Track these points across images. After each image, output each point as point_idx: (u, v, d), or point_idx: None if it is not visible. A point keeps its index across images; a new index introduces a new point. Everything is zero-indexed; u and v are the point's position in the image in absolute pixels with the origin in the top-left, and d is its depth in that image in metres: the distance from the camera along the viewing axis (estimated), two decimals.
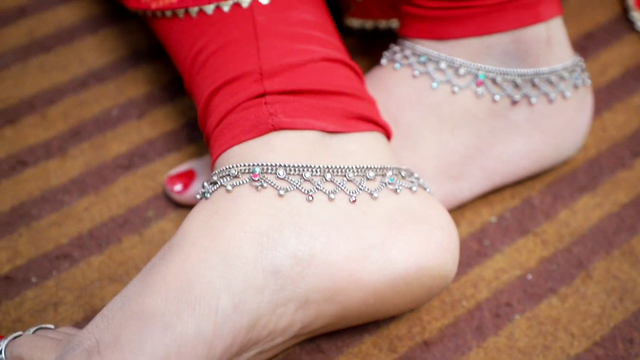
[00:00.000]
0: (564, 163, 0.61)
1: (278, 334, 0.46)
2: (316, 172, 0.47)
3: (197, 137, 0.62)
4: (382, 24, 0.66)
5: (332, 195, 0.46)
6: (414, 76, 0.55)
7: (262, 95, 0.48)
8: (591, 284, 0.55)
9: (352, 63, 0.52)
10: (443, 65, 0.54)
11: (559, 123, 0.56)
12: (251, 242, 0.44)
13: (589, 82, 0.58)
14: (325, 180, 0.47)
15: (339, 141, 0.48)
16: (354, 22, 0.66)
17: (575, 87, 0.56)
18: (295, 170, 0.46)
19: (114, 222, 0.57)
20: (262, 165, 0.46)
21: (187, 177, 0.57)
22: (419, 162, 0.54)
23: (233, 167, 0.46)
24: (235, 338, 0.43)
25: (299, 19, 0.51)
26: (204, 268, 0.43)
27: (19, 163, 0.60)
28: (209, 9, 0.51)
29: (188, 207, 0.58)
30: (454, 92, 0.54)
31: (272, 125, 0.47)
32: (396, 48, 0.56)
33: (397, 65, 0.55)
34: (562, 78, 0.55)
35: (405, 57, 0.55)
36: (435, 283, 0.48)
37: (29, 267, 0.54)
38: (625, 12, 0.72)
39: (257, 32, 0.50)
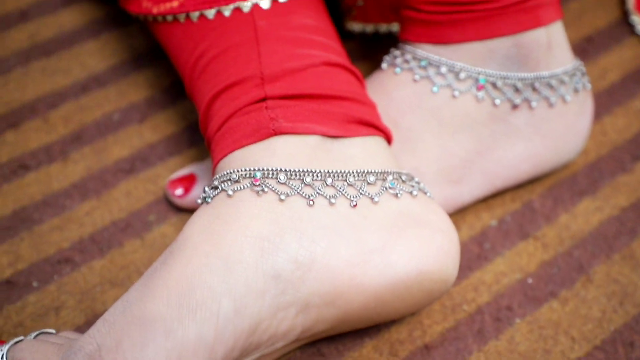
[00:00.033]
0: (565, 167, 0.61)
1: (279, 338, 0.46)
2: (317, 176, 0.47)
3: (198, 140, 0.62)
4: (383, 27, 0.66)
5: (332, 200, 0.46)
6: (415, 80, 0.55)
7: (263, 99, 0.48)
8: (592, 287, 0.55)
9: (353, 67, 0.52)
10: (443, 69, 0.54)
11: (560, 127, 0.56)
12: (252, 247, 0.44)
13: (589, 86, 0.58)
14: (326, 184, 0.47)
15: (339, 146, 0.48)
16: (355, 26, 0.66)
17: (576, 91, 0.57)
18: (296, 175, 0.46)
19: (115, 226, 0.57)
20: (263, 169, 0.46)
21: (188, 181, 0.58)
22: (419, 166, 0.54)
23: (234, 171, 0.47)
24: (236, 342, 0.43)
25: (300, 23, 0.51)
26: (206, 273, 0.43)
27: (20, 167, 0.60)
28: (210, 13, 0.52)
29: (189, 211, 0.58)
30: (454, 96, 0.54)
31: (273, 129, 0.47)
32: (397, 52, 0.56)
33: (397, 69, 0.56)
34: (562, 82, 0.56)
35: (406, 61, 0.55)
36: (435, 287, 0.48)
37: (30, 271, 0.55)
38: (625, 15, 0.72)
39: (258, 36, 0.50)
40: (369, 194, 0.47)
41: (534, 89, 0.55)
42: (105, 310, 0.52)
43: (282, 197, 0.46)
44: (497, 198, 0.59)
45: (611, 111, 0.65)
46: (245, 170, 0.46)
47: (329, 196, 0.46)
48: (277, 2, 0.51)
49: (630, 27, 0.71)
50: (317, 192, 0.46)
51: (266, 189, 0.46)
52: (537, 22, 0.53)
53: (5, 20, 0.70)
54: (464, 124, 0.55)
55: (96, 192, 0.59)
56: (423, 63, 0.54)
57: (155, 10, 0.54)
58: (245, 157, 0.47)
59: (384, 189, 0.48)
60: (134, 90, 0.65)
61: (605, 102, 0.65)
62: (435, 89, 0.54)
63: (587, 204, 0.59)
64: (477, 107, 0.54)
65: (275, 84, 0.49)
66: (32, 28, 0.69)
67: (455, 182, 0.56)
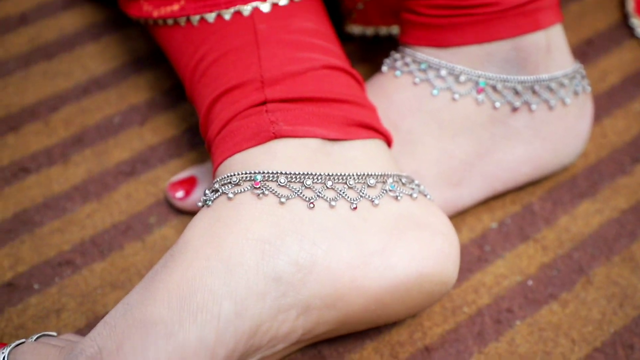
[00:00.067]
0: (564, 169, 0.61)
1: (280, 340, 0.46)
2: (317, 179, 0.47)
3: (199, 143, 0.62)
4: (383, 30, 0.66)
5: (333, 203, 0.46)
6: (415, 83, 0.55)
7: (264, 103, 0.49)
8: (591, 289, 0.55)
9: (353, 70, 0.52)
10: (443, 72, 0.54)
11: (559, 130, 0.57)
12: (253, 250, 0.44)
13: (589, 88, 0.58)
14: (327, 187, 0.47)
15: (339, 148, 0.49)
16: (355, 29, 0.67)
17: (576, 93, 0.57)
18: (296, 178, 0.46)
19: (116, 228, 0.57)
20: (264, 172, 0.46)
21: (189, 184, 0.58)
22: (419, 169, 0.55)
23: (234, 174, 0.47)
24: (237, 344, 0.43)
25: (300, 27, 0.52)
26: (206, 276, 0.43)
27: (21, 170, 0.60)
28: (211, 17, 0.52)
29: (190, 213, 0.58)
30: (454, 99, 0.54)
31: (274, 133, 0.47)
32: (397, 55, 0.56)
33: (397, 72, 0.56)
34: (562, 85, 0.56)
35: (406, 64, 0.55)
36: (435, 289, 0.48)
37: (31, 273, 0.55)
38: (625, 18, 0.72)
39: (259, 40, 0.50)
40: (369, 196, 0.47)
41: (534, 92, 0.55)
42: (106, 313, 0.52)
43: (283, 199, 0.46)
44: (497, 200, 0.59)
45: (611, 113, 0.65)
46: (246, 173, 0.46)
47: (330, 199, 0.47)
48: (278, 5, 0.52)
49: (630, 29, 0.71)
50: (317, 195, 0.46)
51: (267, 192, 0.46)
52: (536, 26, 0.53)
53: (6, 23, 0.70)
54: (464, 126, 0.55)
55: (97, 195, 0.59)
56: (423, 66, 0.55)
57: (155, 13, 0.54)
58: (245, 160, 0.47)
59: (384, 191, 0.48)
60: (134, 93, 0.66)
61: (605, 104, 0.66)
62: (435, 91, 0.54)
63: (587, 206, 0.59)
64: (477, 110, 0.55)
65: (276, 87, 0.49)
66: (33, 31, 0.69)
67: (455, 185, 0.56)
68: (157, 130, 0.63)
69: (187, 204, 0.57)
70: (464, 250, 0.56)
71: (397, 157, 0.54)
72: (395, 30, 0.66)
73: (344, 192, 0.47)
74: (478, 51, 0.53)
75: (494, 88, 0.54)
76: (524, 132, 0.56)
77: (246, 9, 0.51)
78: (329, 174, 0.47)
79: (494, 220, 0.58)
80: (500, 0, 0.52)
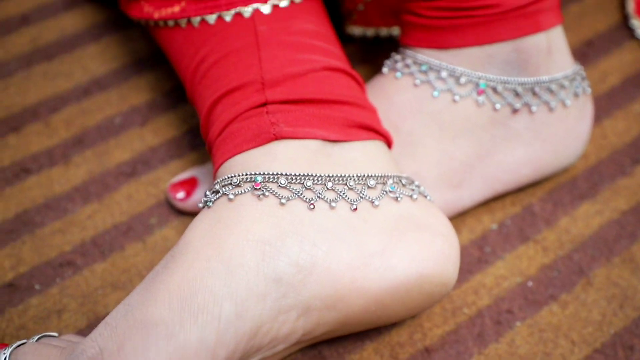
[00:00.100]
0: (565, 170, 0.61)
1: (280, 341, 0.46)
2: (317, 180, 0.47)
3: (199, 144, 0.63)
4: (384, 31, 0.66)
5: (333, 204, 0.47)
6: (415, 85, 0.55)
7: (264, 104, 0.49)
8: (591, 291, 0.55)
9: (353, 72, 0.52)
10: (444, 74, 0.54)
11: (560, 131, 0.57)
12: (254, 251, 0.44)
13: (589, 90, 0.58)
14: (327, 188, 0.47)
15: (340, 150, 0.49)
16: (356, 30, 0.67)
17: (576, 95, 0.57)
18: (296, 179, 0.47)
19: (117, 229, 0.57)
20: (264, 174, 0.46)
21: (190, 185, 0.58)
22: (420, 170, 0.55)
23: (235, 176, 0.47)
24: (237, 345, 0.44)
25: (301, 28, 0.52)
26: (207, 277, 0.43)
27: (22, 171, 0.60)
28: (211, 18, 0.52)
29: (191, 214, 0.58)
30: (454, 101, 0.54)
31: (274, 134, 0.47)
32: (397, 57, 0.57)
33: (398, 74, 0.56)
34: (562, 87, 0.56)
35: (407, 65, 0.56)
36: (435, 290, 0.48)
37: (32, 274, 0.55)
38: (625, 19, 0.72)
39: (259, 41, 0.50)
40: (369, 197, 0.47)
41: (534, 94, 0.55)
42: (107, 314, 0.52)
43: (283, 201, 0.46)
44: (497, 202, 0.59)
45: (611, 115, 0.65)
46: (246, 174, 0.47)
47: (330, 200, 0.47)
48: (278, 7, 0.52)
49: (630, 30, 0.71)
50: (317, 196, 0.46)
51: (267, 193, 0.46)
52: (537, 27, 0.53)
53: (7, 24, 0.70)
54: (464, 128, 0.55)
55: (98, 196, 0.59)
56: (424, 68, 0.55)
57: (156, 15, 0.54)
58: (246, 162, 0.47)
59: (384, 192, 0.48)
60: (135, 94, 0.66)
61: (606, 105, 0.66)
62: (435, 93, 0.54)
63: (587, 207, 0.59)
64: (477, 112, 0.55)
65: (276, 88, 0.49)
66: (34, 32, 0.70)
67: (455, 186, 0.56)
68: (158, 131, 0.63)
69: (188, 204, 0.57)
70: (464, 251, 0.56)
71: (398, 159, 0.54)
72: (395, 31, 0.66)
73: (344, 193, 0.47)
74: (479, 53, 0.53)
75: (495, 90, 0.54)
76: (524, 134, 0.56)
77: (247, 11, 0.51)
78: (329, 175, 0.47)
79: (494, 222, 0.58)
80: (501, 2, 0.52)
